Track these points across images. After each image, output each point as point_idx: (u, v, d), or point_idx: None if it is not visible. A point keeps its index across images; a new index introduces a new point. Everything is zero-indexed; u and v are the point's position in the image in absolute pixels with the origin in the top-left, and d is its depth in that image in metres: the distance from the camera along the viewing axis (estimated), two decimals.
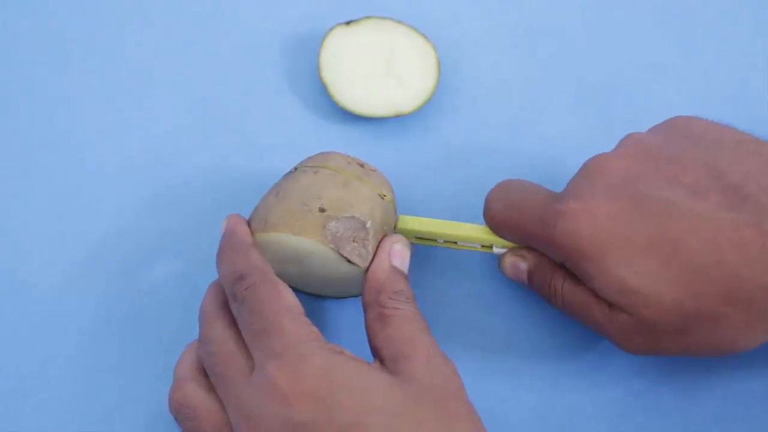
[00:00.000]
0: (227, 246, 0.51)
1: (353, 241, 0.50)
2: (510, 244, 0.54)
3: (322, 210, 0.50)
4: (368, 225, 0.51)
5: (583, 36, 0.64)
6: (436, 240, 0.55)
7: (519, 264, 0.53)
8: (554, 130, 0.62)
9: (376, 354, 0.48)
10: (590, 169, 0.50)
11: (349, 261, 0.50)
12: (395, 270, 0.50)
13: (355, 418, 0.43)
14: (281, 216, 0.50)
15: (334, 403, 0.43)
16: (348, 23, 0.61)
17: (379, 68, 0.61)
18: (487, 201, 0.53)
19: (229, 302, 0.49)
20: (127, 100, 0.62)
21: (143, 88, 0.62)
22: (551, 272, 0.52)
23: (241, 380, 0.46)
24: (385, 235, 0.52)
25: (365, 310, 0.50)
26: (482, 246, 0.55)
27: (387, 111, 0.60)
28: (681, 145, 0.50)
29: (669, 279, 0.47)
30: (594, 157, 0.50)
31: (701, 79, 0.63)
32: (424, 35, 0.61)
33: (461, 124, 0.62)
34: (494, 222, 0.53)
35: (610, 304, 0.49)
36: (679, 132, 0.51)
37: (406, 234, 0.54)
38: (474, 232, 0.54)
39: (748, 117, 0.62)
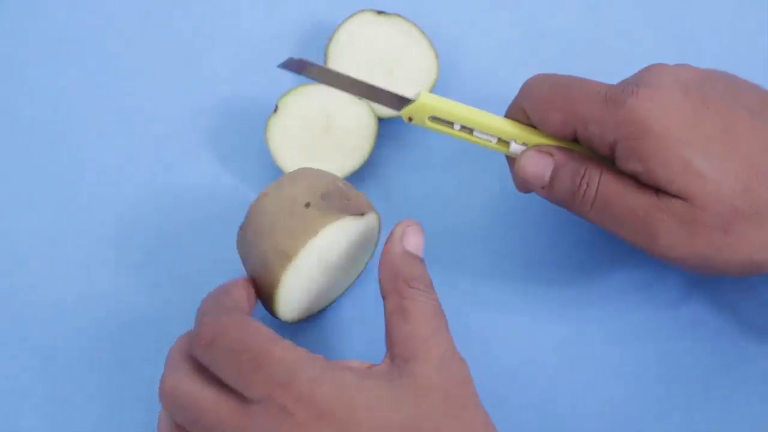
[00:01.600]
0: (206, 300, 0.48)
1: (347, 200, 0.51)
2: (532, 141, 0.51)
3: (307, 205, 0.50)
4: (340, 183, 0.51)
5: (582, 36, 0.64)
6: (451, 126, 0.52)
7: (543, 158, 0.51)
8: None
9: (391, 348, 0.46)
10: (657, 69, 0.51)
11: (361, 214, 0.50)
12: (409, 254, 0.49)
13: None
14: (286, 235, 0.49)
15: (354, 422, 0.42)
16: (379, 13, 0.61)
17: (379, 68, 0.61)
18: (528, 85, 0.52)
19: (190, 354, 0.47)
20: (127, 102, 0.62)
21: (144, 90, 0.62)
22: (586, 164, 0.50)
23: (236, 419, 0.44)
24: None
25: (385, 298, 0.48)
26: (499, 140, 0.52)
27: (387, 111, 0.60)
28: (734, 79, 0.51)
29: (729, 170, 0.47)
30: (656, 63, 0.51)
31: None
32: (424, 34, 0.61)
33: None
34: (538, 100, 0.51)
35: (658, 191, 0.48)
36: (728, 75, 0.52)
37: (423, 110, 0.51)
38: (497, 122, 0.51)
39: None
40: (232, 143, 0.61)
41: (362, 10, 0.61)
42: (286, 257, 0.49)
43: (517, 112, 0.52)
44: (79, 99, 0.62)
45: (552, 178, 0.51)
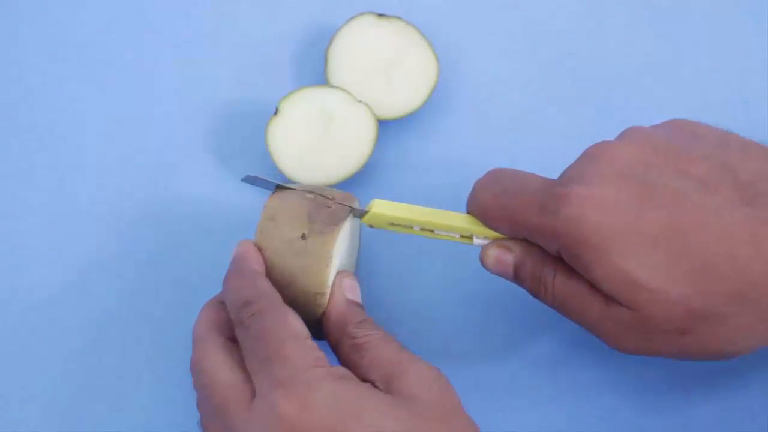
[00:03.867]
0: (235, 272, 0.49)
1: (329, 206, 0.51)
2: (493, 234, 0.50)
3: (303, 236, 0.50)
4: (310, 196, 0.51)
5: (582, 38, 0.64)
6: (411, 227, 0.52)
7: (504, 256, 0.50)
8: (553, 132, 0.61)
9: (365, 379, 0.46)
10: (595, 155, 0.47)
11: (350, 210, 0.51)
12: (352, 303, 0.50)
13: None
14: (307, 277, 0.50)
15: (345, 429, 0.43)
16: (379, 15, 0.61)
17: (379, 71, 0.61)
18: (475, 188, 0.50)
19: (221, 326, 0.48)
20: (128, 106, 0.62)
21: (144, 93, 0.62)
22: (541, 263, 0.49)
23: (240, 410, 0.45)
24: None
25: (336, 348, 0.49)
26: (461, 236, 0.51)
27: (387, 113, 0.60)
28: (688, 141, 0.48)
29: (677, 274, 0.44)
30: (597, 143, 0.48)
31: (701, 80, 0.63)
32: (424, 36, 0.61)
33: (461, 125, 0.62)
34: (483, 209, 0.50)
35: (608, 298, 0.46)
36: (684, 130, 0.49)
37: (379, 219, 0.52)
38: (454, 220, 0.51)
39: (747, 119, 0.62)
40: (233, 146, 0.61)
41: (363, 13, 0.61)
42: (320, 295, 0.50)
43: (471, 213, 0.51)
44: (79, 101, 0.62)
45: (514, 274, 0.50)
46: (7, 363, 0.56)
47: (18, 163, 0.61)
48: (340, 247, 0.51)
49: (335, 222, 0.50)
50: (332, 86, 0.60)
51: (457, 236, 0.51)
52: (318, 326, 0.51)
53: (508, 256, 0.50)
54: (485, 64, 0.63)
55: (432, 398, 0.45)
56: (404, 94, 0.60)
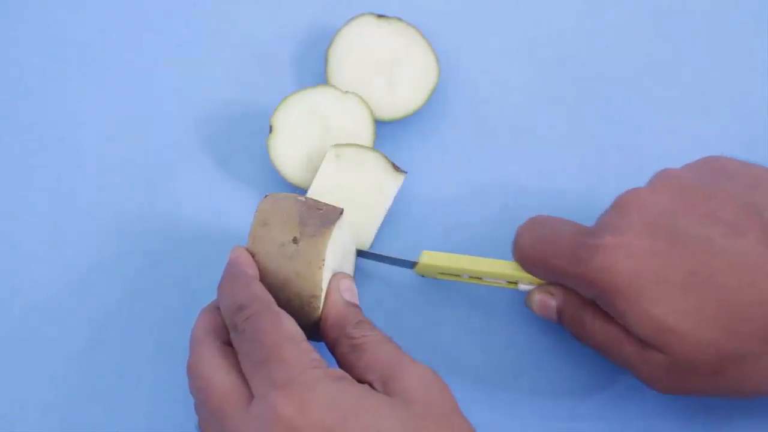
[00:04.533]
0: (229, 277, 0.50)
1: (320, 209, 0.52)
2: (538, 280, 0.53)
3: (294, 240, 0.51)
4: (301, 198, 0.52)
5: (582, 39, 0.64)
6: (460, 276, 0.54)
7: (548, 301, 0.52)
8: (553, 133, 0.61)
9: (362, 381, 0.47)
10: (625, 204, 0.49)
11: (340, 213, 0.52)
12: (350, 304, 0.50)
13: None
14: (300, 279, 0.50)
15: (343, 431, 0.43)
16: (379, 16, 0.61)
17: (379, 72, 0.61)
18: (516, 236, 0.52)
19: (217, 330, 0.49)
20: (127, 106, 0.62)
21: (144, 95, 0.62)
22: (581, 309, 0.51)
23: (237, 412, 0.45)
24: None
25: (334, 348, 0.49)
26: (508, 282, 0.54)
27: (387, 114, 0.60)
28: (717, 183, 0.49)
29: (706, 318, 0.46)
30: (628, 191, 0.50)
31: (701, 80, 0.63)
32: (424, 37, 0.61)
33: (460, 126, 0.62)
34: (523, 257, 0.52)
35: (643, 343, 0.48)
36: (714, 170, 0.50)
37: (429, 270, 0.55)
38: (500, 268, 0.53)
39: (747, 120, 0.61)
40: (233, 147, 0.61)
41: (363, 14, 0.61)
42: (314, 298, 0.50)
43: (515, 258, 0.53)
44: (78, 101, 0.62)
45: (558, 316, 0.52)
46: (6, 363, 0.56)
47: (18, 164, 0.60)
48: (334, 249, 0.51)
49: (326, 224, 0.51)
50: (318, 86, 0.60)
51: (504, 282, 0.54)
52: (314, 329, 0.51)
53: (551, 301, 0.52)
54: (485, 65, 0.63)
55: (429, 400, 0.45)
56: (404, 94, 0.60)
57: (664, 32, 0.64)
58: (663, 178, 0.50)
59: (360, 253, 0.56)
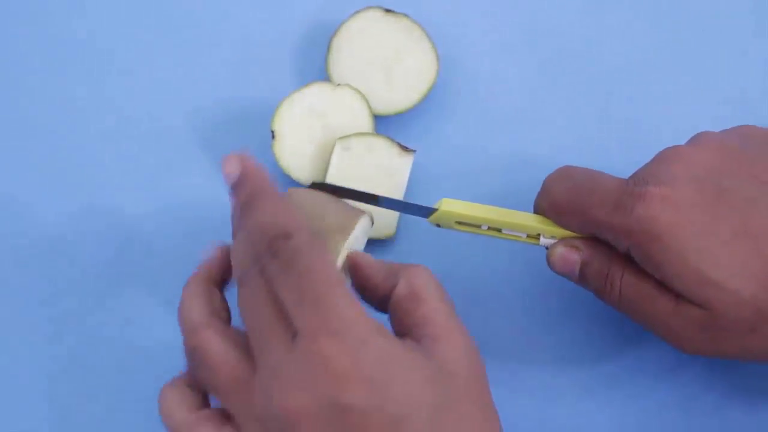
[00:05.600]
0: (260, 192, 0.46)
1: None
2: (560, 233, 0.51)
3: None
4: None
5: (582, 35, 0.64)
6: (479, 226, 0.52)
7: (571, 255, 0.51)
8: (553, 130, 0.62)
9: (409, 332, 0.45)
10: (669, 158, 0.49)
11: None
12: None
13: (406, 411, 0.41)
14: (339, 214, 0.49)
15: (388, 393, 0.41)
16: (387, 11, 0.61)
17: (379, 65, 0.61)
18: (546, 183, 0.52)
19: (218, 313, 0.46)
20: (127, 106, 0.62)
21: (142, 91, 0.62)
22: (609, 262, 0.50)
23: (280, 347, 0.42)
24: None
25: (388, 292, 0.47)
26: (528, 236, 0.52)
27: (387, 108, 0.60)
28: (758, 148, 0.50)
29: (749, 274, 0.46)
30: (670, 147, 0.49)
31: (702, 77, 0.63)
32: (427, 34, 0.61)
33: (461, 123, 0.62)
34: (554, 204, 0.51)
35: (678, 297, 0.48)
36: (755, 137, 0.51)
37: (447, 217, 0.52)
38: (522, 219, 0.52)
39: (748, 115, 0.62)
40: (232, 144, 0.61)
41: (370, 7, 0.61)
42: (343, 229, 0.48)
43: (540, 209, 0.52)
44: (78, 102, 0.62)
45: (581, 273, 0.51)
46: (6, 363, 0.56)
47: (16, 163, 0.60)
48: (359, 237, 0.50)
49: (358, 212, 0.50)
50: (310, 84, 0.60)
51: (524, 236, 0.52)
52: None
53: (574, 255, 0.51)
54: (485, 61, 0.63)
55: (472, 376, 0.44)
56: (403, 90, 0.60)
57: (666, 26, 0.64)
58: (705, 139, 0.50)
59: (376, 201, 0.53)
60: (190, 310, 0.47)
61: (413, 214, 0.53)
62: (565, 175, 0.51)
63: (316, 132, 0.59)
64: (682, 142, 0.52)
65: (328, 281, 0.43)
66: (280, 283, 0.44)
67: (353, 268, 0.48)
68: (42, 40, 0.63)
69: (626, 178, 0.50)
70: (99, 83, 0.62)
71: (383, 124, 0.61)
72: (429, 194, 0.60)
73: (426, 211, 0.53)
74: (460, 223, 0.52)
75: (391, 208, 0.53)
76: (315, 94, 0.60)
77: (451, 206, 0.52)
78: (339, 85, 0.59)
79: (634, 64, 0.63)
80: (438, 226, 0.53)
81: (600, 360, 0.56)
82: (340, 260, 0.48)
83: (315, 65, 0.63)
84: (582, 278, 0.51)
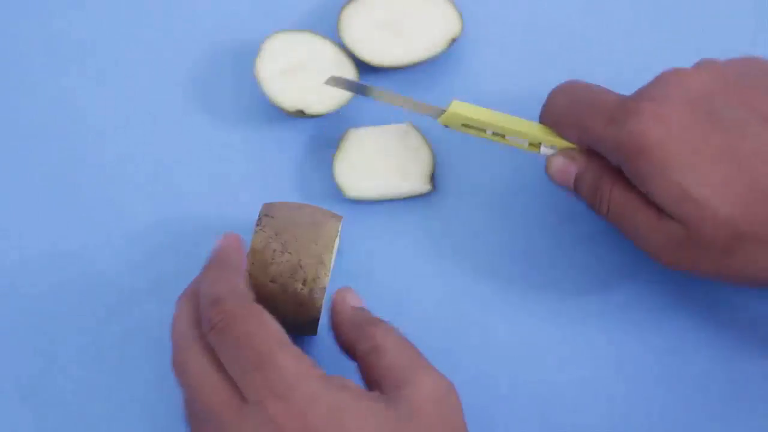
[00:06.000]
0: (212, 263, 0.49)
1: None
2: (560, 144, 0.53)
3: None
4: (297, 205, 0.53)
5: (583, 33, 0.64)
6: (484, 131, 0.55)
7: (568, 166, 0.53)
8: None
9: (377, 385, 0.46)
10: (667, 79, 0.50)
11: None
12: (360, 308, 0.50)
13: None
14: (310, 242, 0.51)
15: None
16: None
17: (393, 28, 0.61)
18: (550, 95, 0.53)
19: (200, 322, 0.47)
20: (128, 104, 0.62)
21: (145, 91, 0.62)
22: (601, 175, 0.52)
23: (230, 417, 0.43)
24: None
25: (353, 346, 0.48)
26: (530, 144, 0.54)
27: (396, 60, 0.61)
28: (757, 77, 0.50)
29: (729, 195, 0.47)
30: (671, 69, 0.51)
31: None
32: None
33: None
34: (556, 115, 0.53)
35: (660, 212, 0.49)
36: (757, 68, 0.51)
37: (455, 119, 0.55)
38: (525, 127, 0.54)
39: None
40: (236, 145, 0.61)
41: None
42: (321, 264, 0.51)
43: (544, 120, 0.54)
44: (79, 100, 0.62)
45: (575, 184, 0.53)
46: (6, 362, 0.56)
47: (17, 162, 0.60)
48: (335, 245, 0.52)
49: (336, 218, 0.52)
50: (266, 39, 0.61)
51: (526, 144, 0.55)
52: (313, 322, 0.51)
53: (571, 166, 0.53)
54: (487, 57, 0.63)
55: (437, 416, 0.44)
56: (409, 42, 0.61)
57: (666, 25, 0.64)
58: (707, 64, 0.51)
59: (386, 97, 0.56)
60: (179, 325, 0.48)
61: (425, 113, 0.56)
62: (568, 88, 0.53)
63: (297, 74, 0.60)
64: None
65: (268, 344, 0.44)
66: (220, 352, 0.44)
67: (333, 314, 0.50)
68: (41, 37, 0.64)
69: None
70: (100, 80, 0.63)
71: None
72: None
73: (436, 111, 0.56)
74: (466, 126, 0.55)
75: (403, 106, 0.56)
76: (302, 42, 0.61)
77: (459, 108, 0.55)
78: (298, 31, 0.61)
79: (634, 62, 0.63)
80: (446, 126, 0.56)
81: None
82: (329, 272, 0.51)
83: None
84: (576, 188, 0.53)
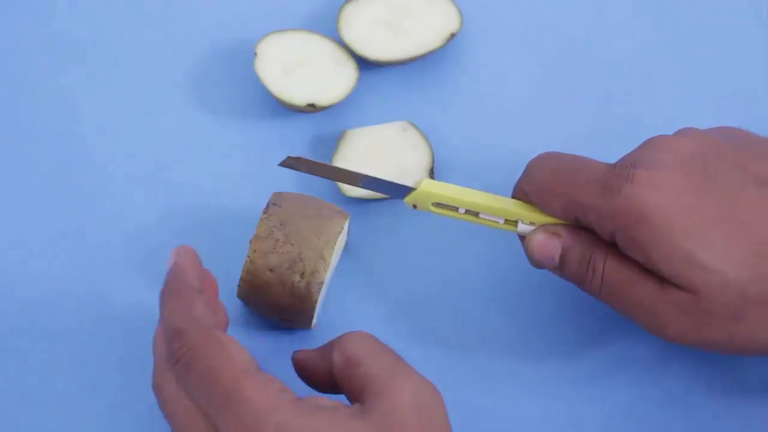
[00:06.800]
0: (168, 289, 0.47)
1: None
2: (539, 219, 0.50)
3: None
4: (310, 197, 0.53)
5: (583, 31, 0.64)
6: (456, 210, 0.51)
7: (551, 241, 0.50)
8: (554, 127, 0.62)
9: (357, 396, 0.44)
10: (657, 144, 0.49)
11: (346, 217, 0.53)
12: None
13: None
14: (314, 234, 0.51)
15: None
16: None
17: (394, 27, 0.61)
18: (529, 167, 0.51)
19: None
20: (128, 102, 0.62)
21: (146, 89, 0.62)
22: (591, 248, 0.49)
23: None
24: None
25: (328, 362, 0.46)
26: (506, 221, 0.51)
27: (394, 55, 0.61)
28: (741, 142, 0.50)
29: (735, 258, 0.46)
30: (657, 136, 0.49)
31: (702, 74, 0.63)
32: None
33: (461, 122, 0.62)
34: (538, 187, 0.50)
35: (662, 281, 0.47)
36: (736, 135, 0.51)
37: (426, 198, 0.51)
38: (502, 203, 0.51)
39: (748, 116, 0.62)
40: (237, 141, 0.61)
41: None
42: (322, 258, 0.51)
43: (521, 193, 0.51)
44: (79, 99, 0.62)
45: (561, 260, 0.50)
46: (6, 361, 0.55)
47: (17, 161, 0.60)
48: (341, 242, 0.52)
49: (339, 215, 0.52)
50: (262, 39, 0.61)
51: (502, 221, 0.51)
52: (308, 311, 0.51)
53: (555, 242, 0.50)
54: (485, 57, 0.63)
55: (419, 425, 0.42)
56: (407, 38, 0.61)
57: (666, 23, 0.64)
58: (689, 131, 0.50)
59: (354, 179, 0.52)
60: (157, 346, 0.47)
61: (390, 194, 0.52)
62: (549, 158, 0.50)
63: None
64: None
65: (234, 376, 0.42)
66: (187, 388, 0.44)
67: (297, 369, 0.48)
68: (41, 36, 0.63)
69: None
70: (100, 78, 0.62)
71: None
72: None
73: (403, 191, 0.52)
74: (437, 205, 0.52)
75: (368, 188, 0.52)
76: (298, 40, 0.61)
77: (430, 186, 0.51)
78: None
79: (634, 61, 0.63)
80: (414, 207, 0.52)
81: (585, 353, 0.55)
82: (331, 268, 0.51)
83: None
84: (562, 266, 0.50)
